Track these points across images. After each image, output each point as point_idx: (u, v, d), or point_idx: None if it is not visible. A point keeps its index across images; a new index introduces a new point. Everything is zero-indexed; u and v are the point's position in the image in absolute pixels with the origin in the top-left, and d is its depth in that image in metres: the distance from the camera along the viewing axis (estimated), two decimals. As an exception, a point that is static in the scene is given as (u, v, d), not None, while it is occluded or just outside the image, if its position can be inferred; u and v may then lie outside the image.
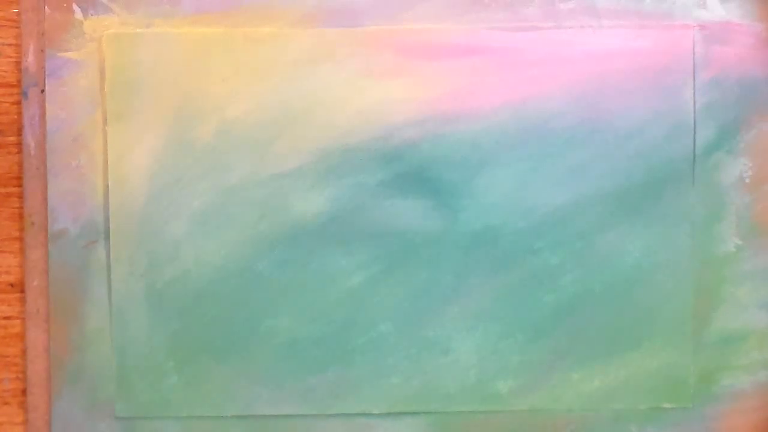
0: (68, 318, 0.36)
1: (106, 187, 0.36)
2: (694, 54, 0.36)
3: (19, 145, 0.36)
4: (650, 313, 0.36)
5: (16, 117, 0.36)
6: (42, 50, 0.36)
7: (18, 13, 0.36)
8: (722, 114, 0.36)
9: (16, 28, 0.36)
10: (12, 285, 0.36)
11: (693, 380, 0.37)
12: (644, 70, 0.36)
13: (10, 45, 0.36)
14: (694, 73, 0.36)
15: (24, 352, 0.36)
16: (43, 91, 0.36)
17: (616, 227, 0.36)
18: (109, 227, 0.36)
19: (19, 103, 0.36)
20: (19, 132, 0.36)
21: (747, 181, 0.37)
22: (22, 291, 0.36)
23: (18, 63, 0.36)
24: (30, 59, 0.36)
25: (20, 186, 0.36)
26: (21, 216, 0.36)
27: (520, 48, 0.36)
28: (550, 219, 0.36)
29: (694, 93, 0.36)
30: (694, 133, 0.36)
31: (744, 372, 0.37)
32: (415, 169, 0.36)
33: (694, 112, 0.36)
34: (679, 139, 0.36)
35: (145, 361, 0.36)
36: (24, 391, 0.36)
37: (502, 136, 0.36)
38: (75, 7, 0.36)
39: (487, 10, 0.36)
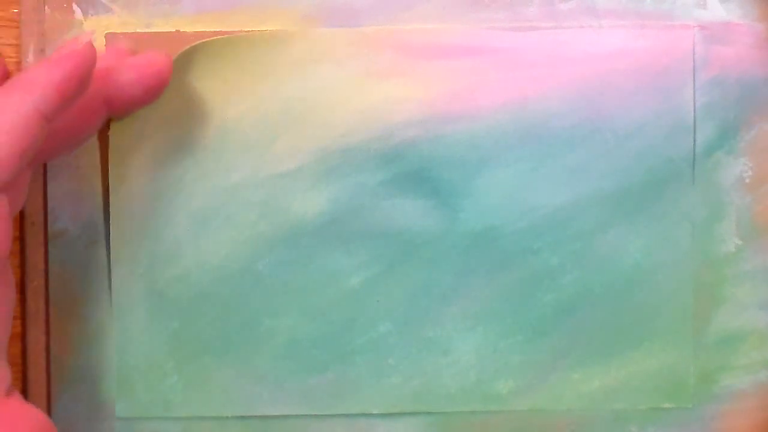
0: (68, 318, 0.36)
1: (107, 187, 0.36)
2: (694, 54, 0.36)
3: (19, 145, 0.36)
4: (650, 313, 0.36)
5: (16, 117, 0.36)
6: (42, 50, 0.36)
7: (18, 13, 0.36)
8: (722, 114, 0.36)
9: (16, 28, 0.36)
10: (12, 285, 0.36)
11: (693, 380, 0.37)
12: (644, 70, 0.36)
13: (10, 45, 0.36)
14: (694, 73, 0.36)
15: (24, 352, 0.36)
16: (43, 91, 0.36)
17: (616, 227, 0.36)
18: (109, 227, 0.36)
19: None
20: (19, 132, 0.36)
21: (747, 181, 0.37)
22: (22, 291, 0.36)
23: (18, 63, 0.36)
24: (30, 59, 0.36)
25: (20, 186, 0.36)
26: (21, 216, 0.36)
27: (520, 48, 0.36)
28: (550, 219, 0.36)
29: (694, 93, 0.36)
30: (694, 133, 0.36)
31: (744, 372, 0.37)
32: (415, 169, 0.36)
33: (694, 112, 0.36)
34: (679, 139, 0.36)
35: (146, 361, 0.36)
36: (24, 391, 0.36)
37: (502, 136, 0.36)
38: (75, 7, 0.36)
39: (487, 10, 0.36)
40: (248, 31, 0.36)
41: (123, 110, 0.35)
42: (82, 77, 0.30)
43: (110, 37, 0.36)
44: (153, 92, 0.34)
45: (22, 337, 0.36)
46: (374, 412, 0.37)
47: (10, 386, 0.31)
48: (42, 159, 0.34)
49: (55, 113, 0.30)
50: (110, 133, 0.35)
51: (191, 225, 0.36)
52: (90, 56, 0.31)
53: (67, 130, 0.33)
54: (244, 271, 0.36)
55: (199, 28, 0.36)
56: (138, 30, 0.36)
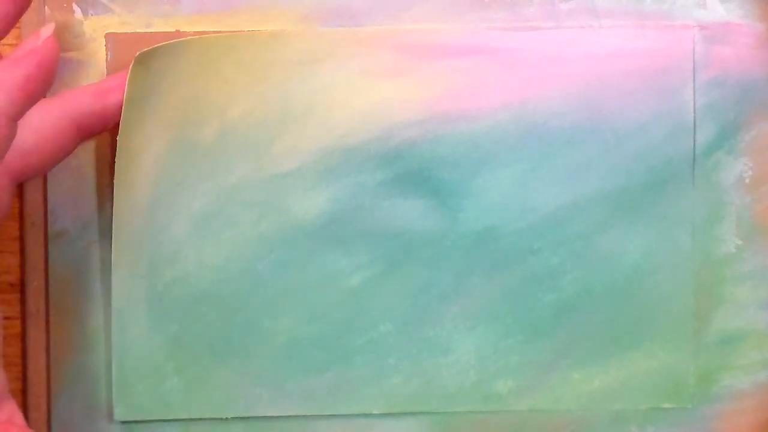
0: (68, 318, 0.36)
1: (103, 188, 0.36)
2: (694, 54, 0.36)
3: (19, 145, 0.36)
4: (650, 313, 0.36)
5: (16, 117, 0.36)
6: (42, 50, 0.36)
7: (18, 13, 0.36)
8: (722, 114, 0.36)
9: (17, 28, 0.36)
10: (12, 285, 0.36)
11: (693, 380, 0.37)
12: (644, 70, 0.36)
13: (10, 45, 0.36)
14: (694, 73, 0.36)
15: (24, 352, 0.36)
16: (43, 91, 0.36)
17: (616, 227, 0.36)
18: (108, 228, 0.36)
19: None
20: (19, 132, 0.36)
21: (747, 181, 0.37)
22: (22, 291, 0.36)
23: (18, 63, 0.36)
24: (30, 59, 0.36)
25: (20, 186, 0.36)
26: (21, 216, 0.36)
27: (520, 48, 0.36)
28: (550, 219, 0.36)
29: (694, 93, 0.36)
30: (694, 133, 0.36)
31: (744, 372, 0.37)
32: (415, 169, 0.36)
33: (694, 112, 0.36)
34: (679, 139, 0.36)
35: (145, 362, 0.36)
36: (24, 391, 0.36)
37: (502, 136, 0.36)
38: (75, 7, 0.36)
39: (487, 10, 0.36)
40: (248, 31, 0.36)
41: (93, 132, 0.35)
42: (47, 74, 0.30)
43: (110, 37, 0.36)
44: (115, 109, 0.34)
45: (22, 337, 0.36)
46: (374, 412, 0.37)
47: (5, 392, 0.31)
48: (17, 180, 0.33)
49: (22, 113, 0.30)
50: (118, 136, 0.35)
51: (191, 226, 0.36)
52: (52, 52, 0.31)
53: (40, 153, 0.33)
54: (244, 272, 0.36)
55: (199, 28, 0.36)
56: (138, 30, 0.36)
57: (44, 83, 0.30)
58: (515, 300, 0.36)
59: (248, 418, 0.37)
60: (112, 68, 0.36)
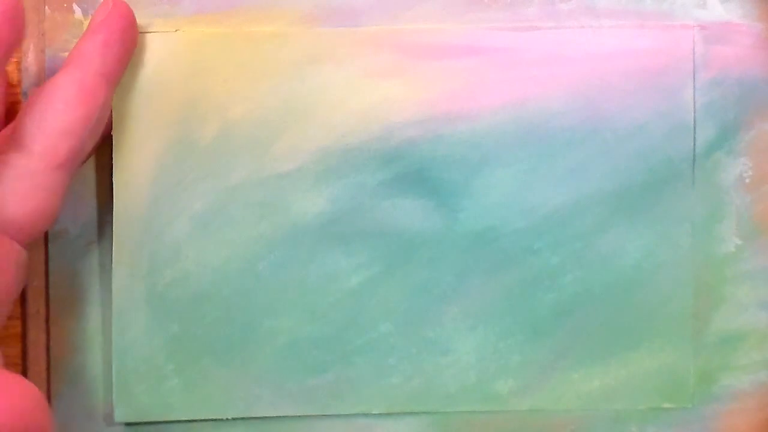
0: (68, 318, 0.36)
1: (104, 188, 0.36)
2: (694, 54, 0.36)
3: (19, 145, 0.36)
4: (650, 313, 0.36)
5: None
6: (42, 50, 0.36)
7: (18, 13, 0.36)
8: (722, 114, 0.36)
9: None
10: (12, 285, 0.36)
11: (693, 380, 0.37)
12: (644, 70, 0.36)
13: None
14: (694, 73, 0.36)
15: (24, 352, 0.36)
16: (43, 91, 0.36)
17: (616, 227, 0.36)
18: (108, 228, 0.36)
19: (19, 102, 0.36)
20: (19, 132, 0.36)
21: (747, 181, 0.37)
22: (22, 291, 0.36)
23: (18, 63, 0.36)
24: (30, 59, 0.36)
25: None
26: (21, 216, 0.36)
27: (520, 48, 0.36)
28: (550, 219, 0.36)
29: (694, 93, 0.36)
30: (694, 133, 0.36)
31: (744, 372, 0.37)
32: (415, 169, 0.36)
33: (694, 112, 0.36)
34: (679, 139, 0.36)
35: (146, 363, 0.36)
36: (24, 391, 0.36)
37: (502, 136, 0.36)
38: (75, 7, 0.36)
39: (487, 10, 0.36)
40: (248, 31, 0.36)
41: (121, 70, 0.35)
42: (127, 37, 0.34)
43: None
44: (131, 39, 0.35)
45: (22, 337, 0.36)
46: (374, 412, 0.37)
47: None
48: (71, 166, 0.33)
49: (117, 75, 0.33)
50: (113, 132, 0.35)
51: (191, 226, 0.36)
52: (126, 15, 0.34)
53: (85, 126, 0.33)
54: (244, 272, 0.36)
55: (199, 28, 0.36)
56: (138, 30, 0.36)
57: (129, 43, 0.34)
58: (515, 300, 0.36)
59: (248, 418, 0.37)
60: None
